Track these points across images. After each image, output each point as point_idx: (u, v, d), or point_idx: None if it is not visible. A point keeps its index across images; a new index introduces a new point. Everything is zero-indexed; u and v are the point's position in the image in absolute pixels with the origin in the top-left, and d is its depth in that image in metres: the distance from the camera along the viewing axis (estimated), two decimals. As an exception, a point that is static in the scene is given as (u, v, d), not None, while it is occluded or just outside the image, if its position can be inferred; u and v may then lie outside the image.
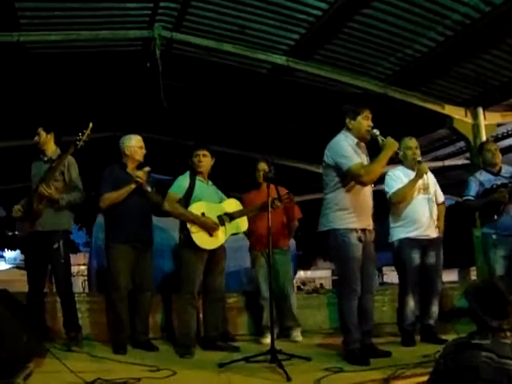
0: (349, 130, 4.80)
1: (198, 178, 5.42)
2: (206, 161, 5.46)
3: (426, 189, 5.51)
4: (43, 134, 5.41)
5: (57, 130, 5.51)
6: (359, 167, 4.56)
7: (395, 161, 5.25)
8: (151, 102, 7.75)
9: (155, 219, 5.76)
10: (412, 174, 5.46)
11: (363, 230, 4.69)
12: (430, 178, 5.60)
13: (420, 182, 5.43)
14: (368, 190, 4.79)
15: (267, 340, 5.63)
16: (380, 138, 4.69)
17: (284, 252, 6.12)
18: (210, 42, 7.02)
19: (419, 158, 5.51)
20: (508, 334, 2.73)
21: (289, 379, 3.85)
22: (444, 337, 5.12)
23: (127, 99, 8.75)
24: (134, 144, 5.57)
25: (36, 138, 5.42)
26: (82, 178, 5.50)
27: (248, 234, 6.21)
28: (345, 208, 4.64)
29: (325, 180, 4.83)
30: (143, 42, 7.09)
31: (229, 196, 5.68)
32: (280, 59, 7.21)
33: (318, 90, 8.00)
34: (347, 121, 4.80)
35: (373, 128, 4.72)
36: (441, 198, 5.67)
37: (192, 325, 5.19)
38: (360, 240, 4.63)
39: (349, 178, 4.61)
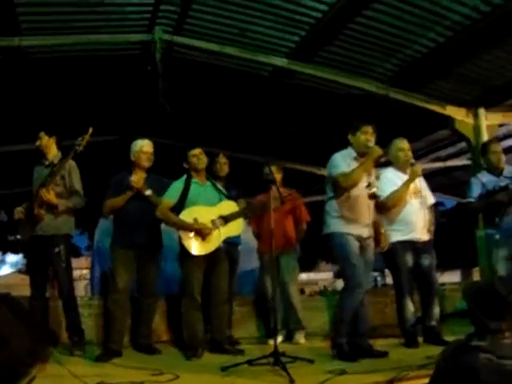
0: (350, 144, 5.00)
1: (193, 180, 5.39)
2: (203, 159, 5.45)
3: (417, 192, 5.49)
4: (45, 137, 5.41)
5: (58, 133, 5.51)
6: (340, 174, 4.81)
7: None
8: (153, 106, 7.75)
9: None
10: (403, 176, 5.47)
11: (359, 237, 4.88)
12: (421, 181, 5.60)
13: (412, 185, 5.42)
14: (364, 201, 4.90)
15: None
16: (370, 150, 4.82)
17: (290, 255, 6.11)
18: (211, 45, 7.02)
19: (412, 160, 5.51)
20: (507, 334, 2.72)
21: (292, 381, 3.83)
22: (448, 338, 5.12)
23: (128, 103, 8.75)
24: (137, 149, 5.53)
25: (38, 141, 5.41)
26: (85, 182, 5.51)
27: (256, 236, 6.23)
28: (340, 216, 4.89)
29: (326, 189, 5.07)
30: (143, 46, 7.09)
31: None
32: (281, 61, 7.21)
33: (320, 92, 8.00)
34: (349, 136, 5.01)
35: (371, 143, 4.87)
36: (431, 200, 5.68)
37: (197, 327, 5.19)
38: (357, 241, 4.85)
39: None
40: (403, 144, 5.58)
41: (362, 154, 4.90)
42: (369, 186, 4.88)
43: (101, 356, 5.02)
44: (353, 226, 4.85)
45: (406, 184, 5.36)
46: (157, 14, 6.59)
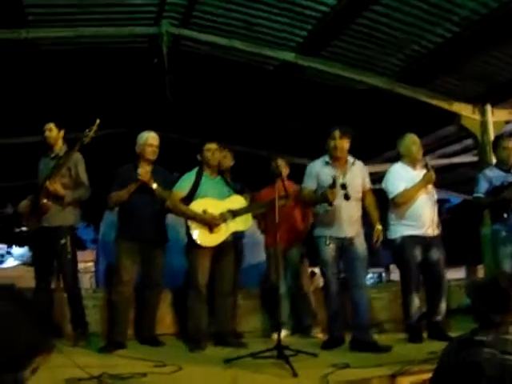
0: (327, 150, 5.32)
1: (205, 173, 5.41)
2: (218, 154, 5.46)
3: (427, 187, 5.49)
4: (55, 129, 5.42)
5: (65, 126, 5.53)
6: (301, 189, 5.47)
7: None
8: (159, 99, 7.75)
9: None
10: (412, 171, 5.51)
11: (334, 238, 5.18)
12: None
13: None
14: (338, 203, 5.08)
15: (282, 334, 5.61)
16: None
17: (298, 248, 6.11)
18: (218, 39, 6.99)
19: (429, 162, 5.57)
20: (510, 329, 2.72)
21: (295, 375, 3.86)
22: (452, 334, 5.11)
23: (135, 96, 8.74)
24: (143, 142, 5.54)
25: (47, 133, 5.42)
26: (92, 175, 5.52)
27: (264, 230, 6.23)
28: (317, 219, 5.40)
29: None
30: (150, 39, 7.08)
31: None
32: (289, 56, 7.18)
33: (327, 87, 7.98)
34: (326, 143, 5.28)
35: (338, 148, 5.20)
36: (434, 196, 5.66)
37: (201, 319, 5.23)
38: (326, 244, 5.17)
39: None
40: (416, 138, 5.62)
41: (334, 159, 5.24)
42: (344, 187, 5.03)
43: (104, 347, 5.04)
44: (328, 228, 5.20)
45: (419, 186, 5.40)
46: (164, 7, 6.57)
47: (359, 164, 5.38)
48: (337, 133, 5.20)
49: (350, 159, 5.32)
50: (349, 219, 5.17)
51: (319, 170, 5.26)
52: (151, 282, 5.52)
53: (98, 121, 5.07)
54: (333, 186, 4.93)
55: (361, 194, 5.32)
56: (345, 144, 5.21)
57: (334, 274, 5.23)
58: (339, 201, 5.07)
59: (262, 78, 7.93)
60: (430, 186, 5.56)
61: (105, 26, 6.71)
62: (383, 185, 5.57)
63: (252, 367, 4.16)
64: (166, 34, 6.80)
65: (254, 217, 6.20)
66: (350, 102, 8.38)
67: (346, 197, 5.03)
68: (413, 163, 5.55)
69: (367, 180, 5.43)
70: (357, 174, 5.28)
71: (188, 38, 7.11)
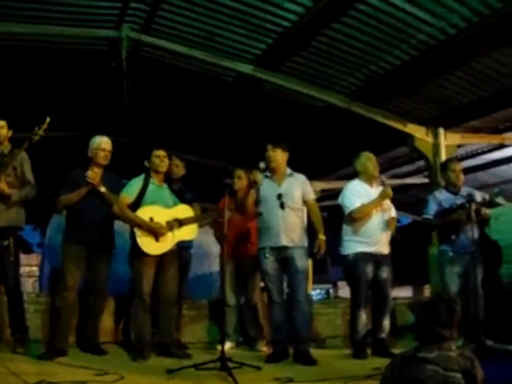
0: None
1: (152, 180, 5.34)
2: (166, 161, 5.41)
3: (382, 205, 5.57)
4: (6, 128, 5.28)
5: (15, 126, 5.38)
6: None
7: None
8: (115, 104, 7.65)
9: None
10: (369, 188, 5.56)
11: (273, 248, 5.25)
12: None
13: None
14: (274, 211, 5.26)
15: (226, 346, 5.56)
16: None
17: (253, 260, 6.08)
18: (178, 47, 6.99)
19: (383, 178, 5.66)
20: (453, 346, 2.76)
21: (237, 387, 3.82)
22: (396, 351, 5.15)
23: (91, 99, 8.62)
24: (95, 146, 5.43)
25: None
26: (42, 178, 5.38)
27: (218, 240, 6.17)
28: (259, 230, 5.43)
29: None
30: (110, 42, 7.01)
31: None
32: (246, 68, 7.21)
33: (284, 101, 8.03)
34: None
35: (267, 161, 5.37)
36: (393, 213, 5.70)
37: (145, 328, 5.12)
38: (266, 256, 5.27)
39: None
40: (371, 156, 5.69)
41: (271, 171, 5.39)
42: (279, 197, 5.27)
43: (44, 354, 4.89)
44: (267, 238, 5.30)
45: (376, 202, 5.46)
46: (126, 11, 6.52)
47: (299, 176, 5.49)
48: (269, 145, 5.38)
49: (288, 171, 5.47)
50: (286, 228, 5.24)
51: (262, 184, 5.38)
52: (95, 287, 5.39)
53: (48, 119, 4.95)
54: (254, 169, 5.22)
55: (301, 205, 5.40)
56: (278, 156, 5.38)
57: (276, 285, 5.29)
58: (275, 210, 5.25)
59: (220, 89, 7.94)
60: (388, 204, 5.62)
61: (64, 25, 6.60)
62: (339, 200, 5.62)
63: (195, 378, 4.09)
64: (126, 38, 6.76)
65: (211, 227, 6.17)
66: (306, 118, 8.45)
67: (282, 206, 5.23)
68: (369, 180, 5.61)
69: (309, 191, 5.50)
70: (295, 186, 5.39)
71: (148, 44, 7.07)
